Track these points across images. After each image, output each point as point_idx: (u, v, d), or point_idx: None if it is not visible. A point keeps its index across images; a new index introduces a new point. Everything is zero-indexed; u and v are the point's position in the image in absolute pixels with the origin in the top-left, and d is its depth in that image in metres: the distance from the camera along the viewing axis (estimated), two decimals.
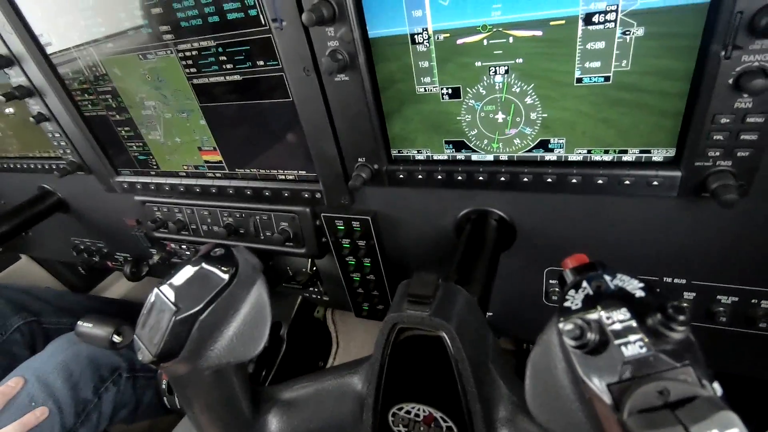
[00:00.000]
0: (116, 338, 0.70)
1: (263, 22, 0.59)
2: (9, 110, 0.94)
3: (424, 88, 0.57)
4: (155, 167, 0.87)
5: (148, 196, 0.91)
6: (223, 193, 0.81)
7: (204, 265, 0.47)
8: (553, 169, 0.56)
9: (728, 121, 0.46)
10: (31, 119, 0.86)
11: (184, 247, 1.04)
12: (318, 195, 0.74)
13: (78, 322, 0.72)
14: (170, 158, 0.84)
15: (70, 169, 0.92)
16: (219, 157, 0.79)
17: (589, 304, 0.31)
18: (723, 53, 0.42)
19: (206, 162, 0.81)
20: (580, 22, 0.46)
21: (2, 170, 1.08)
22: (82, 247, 1.22)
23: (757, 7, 0.39)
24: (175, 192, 0.86)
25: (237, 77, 0.66)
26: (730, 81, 0.43)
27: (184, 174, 0.85)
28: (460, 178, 0.61)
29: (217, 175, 0.82)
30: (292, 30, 0.57)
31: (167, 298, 0.44)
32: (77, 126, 0.85)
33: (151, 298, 0.46)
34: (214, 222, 0.87)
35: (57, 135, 0.89)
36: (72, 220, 1.15)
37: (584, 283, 0.32)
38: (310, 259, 0.92)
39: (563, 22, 0.47)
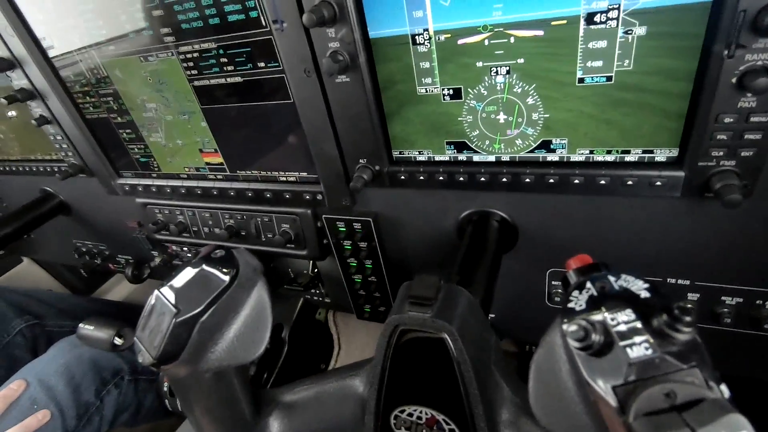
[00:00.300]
0: (118, 341, 0.70)
1: (264, 24, 0.59)
2: (11, 113, 0.95)
3: (425, 88, 0.57)
4: (157, 169, 0.87)
5: (149, 199, 0.91)
6: (225, 195, 0.81)
7: (204, 266, 0.47)
8: (556, 169, 0.56)
9: (732, 120, 0.45)
10: (33, 122, 0.86)
11: (186, 249, 1.04)
12: (319, 196, 0.73)
13: (80, 325, 0.72)
14: (171, 160, 0.84)
15: (71, 171, 0.93)
16: (220, 159, 0.79)
17: (593, 305, 0.30)
18: (726, 52, 0.42)
19: (207, 164, 0.81)
20: (582, 22, 0.46)
21: (4, 173, 1.08)
22: (84, 249, 1.22)
23: (760, 5, 0.39)
24: (176, 194, 0.86)
25: (238, 79, 0.66)
26: (734, 80, 0.43)
27: (186, 176, 0.85)
28: (461, 179, 0.61)
29: (219, 176, 0.82)
30: (292, 31, 0.57)
31: (167, 300, 0.44)
32: (79, 128, 0.85)
33: (152, 300, 0.45)
34: (215, 224, 0.87)
35: (59, 137, 0.90)
36: (74, 223, 1.15)
37: (588, 284, 0.32)
38: (311, 261, 0.92)
39: (565, 21, 0.47)
